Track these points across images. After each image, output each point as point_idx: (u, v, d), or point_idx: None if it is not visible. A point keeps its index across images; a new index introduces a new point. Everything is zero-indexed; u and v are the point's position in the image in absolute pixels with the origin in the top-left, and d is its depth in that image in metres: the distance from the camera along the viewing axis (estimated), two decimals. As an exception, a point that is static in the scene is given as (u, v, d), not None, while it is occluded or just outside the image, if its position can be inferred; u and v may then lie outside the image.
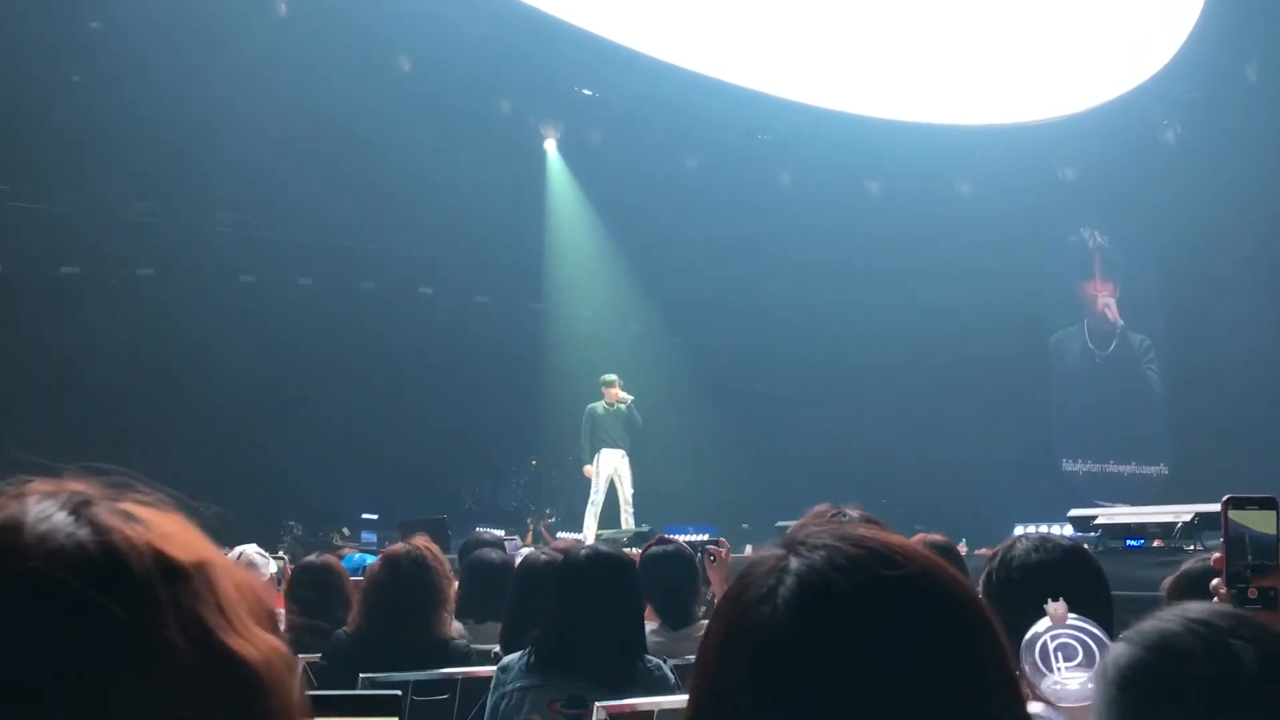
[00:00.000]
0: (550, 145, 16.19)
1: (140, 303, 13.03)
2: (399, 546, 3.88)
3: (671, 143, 16.24)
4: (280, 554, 6.83)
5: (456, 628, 4.07)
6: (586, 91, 16.12)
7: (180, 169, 12.98)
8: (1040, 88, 16.74)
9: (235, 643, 0.67)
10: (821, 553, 0.86)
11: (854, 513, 2.41)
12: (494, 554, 4.64)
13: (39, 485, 0.71)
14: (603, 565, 3.17)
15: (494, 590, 4.28)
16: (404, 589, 3.68)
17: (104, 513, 0.68)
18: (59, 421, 11.91)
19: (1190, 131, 16.23)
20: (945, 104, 16.76)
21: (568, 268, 16.24)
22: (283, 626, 4.30)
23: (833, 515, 2.38)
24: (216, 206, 14.10)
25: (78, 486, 0.71)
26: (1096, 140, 16.50)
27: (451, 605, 3.95)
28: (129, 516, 0.69)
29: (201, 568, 0.68)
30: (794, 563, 0.86)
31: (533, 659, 3.08)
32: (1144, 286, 17.94)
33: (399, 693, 1.47)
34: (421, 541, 3.87)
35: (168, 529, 0.69)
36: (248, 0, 13.28)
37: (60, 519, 0.66)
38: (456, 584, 4.81)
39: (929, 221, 16.43)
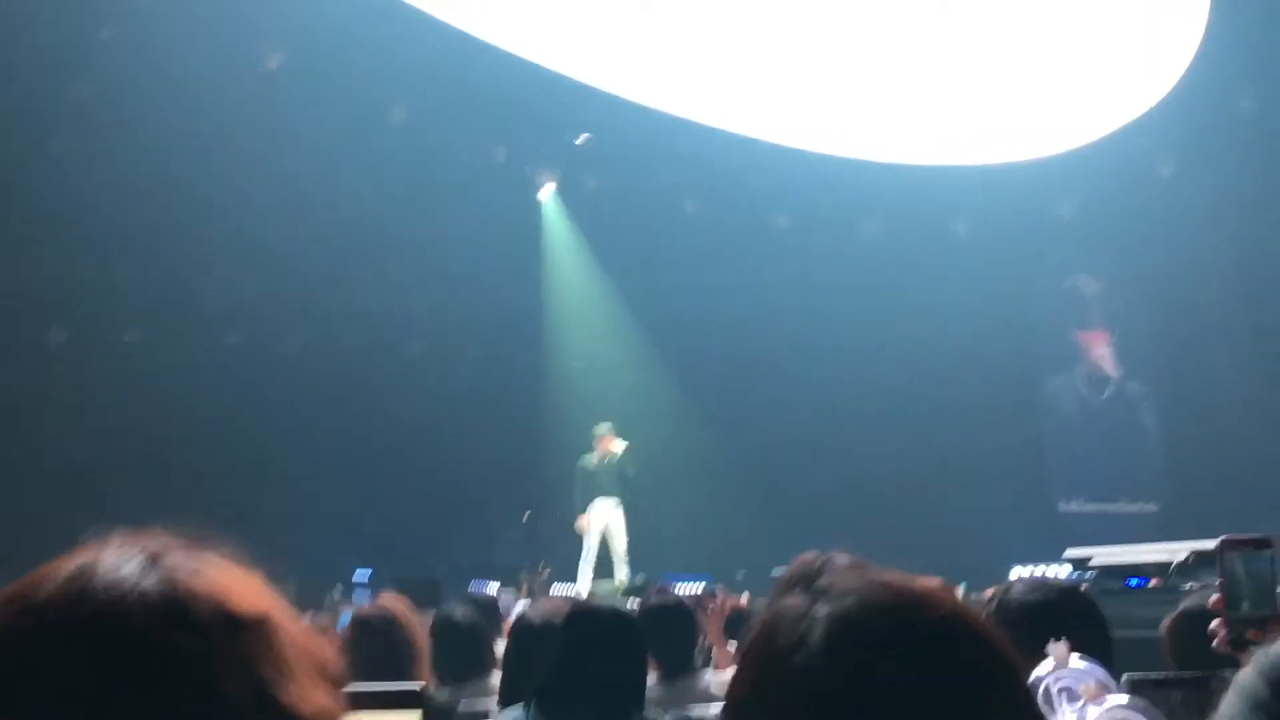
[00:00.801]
0: (546, 193, 16.23)
1: (126, 366, 13.01)
2: (368, 608, 3.79)
3: (668, 188, 16.29)
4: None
5: (434, 686, 4.01)
6: (580, 139, 16.17)
7: (168, 231, 13.00)
8: (1036, 124, 16.74)
9: (288, 698, 0.68)
10: (852, 597, 0.87)
11: (842, 558, 2.41)
12: (458, 610, 4.53)
13: (120, 537, 0.73)
14: (609, 621, 3.16)
15: (465, 649, 4.23)
16: (376, 649, 3.54)
17: (173, 564, 0.70)
18: (53, 481, 11.87)
19: (1185, 168, 16.26)
20: (941, 144, 16.82)
21: (563, 317, 16.26)
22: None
23: (821, 563, 2.38)
24: (204, 268, 14.11)
25: (156, 539, 0.73)
26: (1094, 177, 16.40)
27: (425, 664, 3.85)
28: (198, 569, 0.71)
29: (263, 622, 0.70)
30: (823, 609, 0.87)
31: (533, 712, 3.05)
32: (1137, 325, 17.98)
33: (422, 683, 1.46)
34: (389, 601, 3.74)
35: (234, 582, 0.72)
36: (235, 58, 13.29)
37: (130, 568, 0.69)
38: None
39: (925, 263, 16.47)
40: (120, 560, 0.70)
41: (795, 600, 0.91)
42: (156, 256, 13.58)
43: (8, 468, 11.89)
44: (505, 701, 3.59)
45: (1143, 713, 1.70)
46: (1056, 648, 1.73)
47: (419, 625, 3.75)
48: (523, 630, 3.80)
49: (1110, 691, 1.73)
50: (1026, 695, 0.90)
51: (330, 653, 0.75)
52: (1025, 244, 16.84)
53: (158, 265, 13.71)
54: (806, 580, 2.21)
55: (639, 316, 16.05)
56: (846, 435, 15.96)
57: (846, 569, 0.97)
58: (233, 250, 13.70)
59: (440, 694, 3.95)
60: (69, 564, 0.70)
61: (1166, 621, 3.02)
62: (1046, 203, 17.11)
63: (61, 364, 12.87)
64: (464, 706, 3.96)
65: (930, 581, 3.10)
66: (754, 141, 16.23)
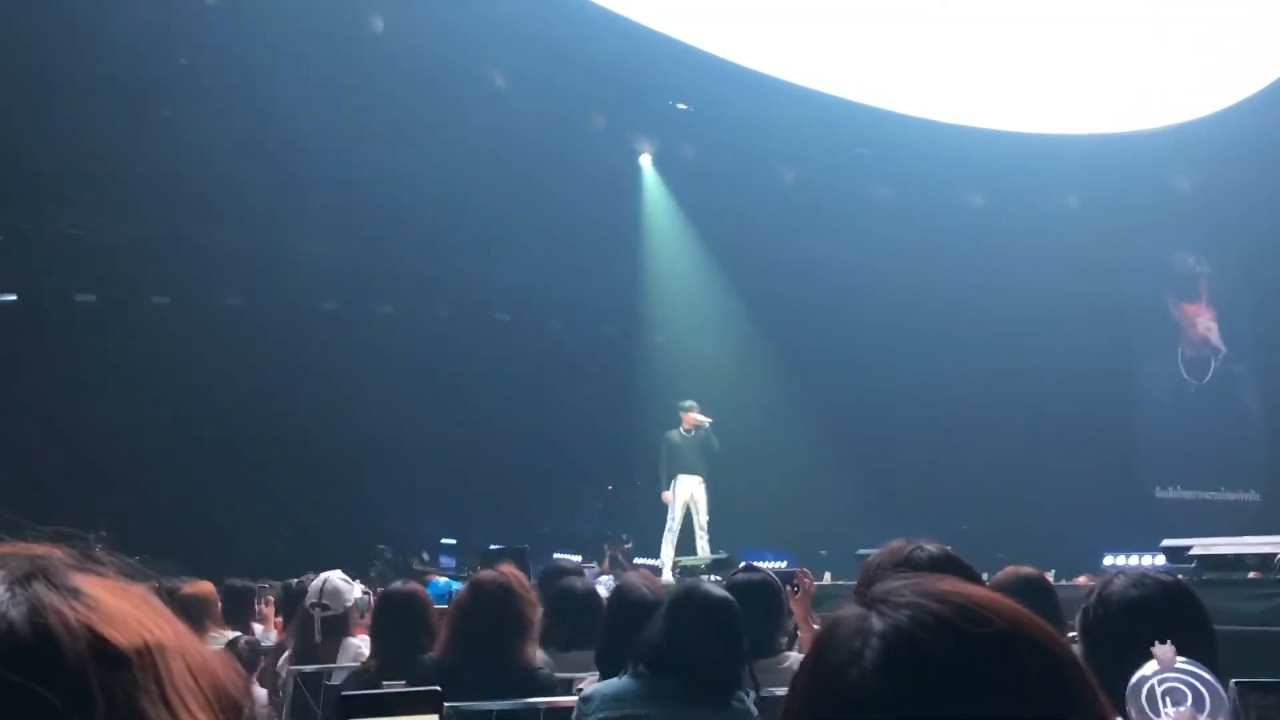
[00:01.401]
0: (645, 160, 16.08)
1: (230, 331, 13.31)
2: (486, 573, 3.90)
3: (768, 156, 15.99)
4: (364, 584, 6.91)
5: (540, 656, 4.08)
6: (681, 105, 15.89)
7: (265, 197, 13.22)
8: (1150, 94, 16.18)
9: None
10: (906, 612, 0.84)
11: (931, 547, 2.36)
12: (578, 582, 4.66)
13: None
14: (717, 604, 3.21)
15: (578, 619, 4.28)
16: (491, 616, 3.70)
17: (46, 589, 0.63)
18: (160, 444, 12.24)
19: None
20: (1050, 112, 16.28)
21: (660, 288, 16.13)
22: (367, 653, 4.35)
23: (910, 551, 2.33)
24: (298, 238, 14.35)
25: (33, 554, 0.66)
26: (1207, 151, 15.92)
27: (536, 633, 3.95)
28: (74, 593, 0.64)
29: (145, 653, 0.63)
30: (878, 623, 0.84)
31: (633, 683, 3.09)
32: (1241, 306, 17.43)
33: (439, 689, 1.49)
34: (508, 569, 3.88)
35: (115, 608, 0.64)
36: (340, 19, 13.25)
37: None
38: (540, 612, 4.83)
39: (1031, 236, 16.02)
40: None
41: (851, 611, 0.88)
42: (254, 225, 13.84)
43: (118, 425, 12.29)
44: (603, 666, 3.64)
45: (1196, 678, 1.65)
46: (1162, 651, 1.67)
47: (533, 594, 3.86)
48: (623, 603, 3.84)
49: (1214, 695, 1.66)
50: (1092, 706, 0.86)
51: (233, 676, 0.68)
52: (1134, 217, 16.31)
53: (253, 231, 13.98)
54: (895, 570, 2.18)
55: (737, 286, 15.83)
56: (938, 414, 15.74)
57: (901, 575, 0.94)
58: (326, 218, 13.88)
59: (547, 662, 4.03)
60: None
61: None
62: (1162, 173, 16.48)
63: (165, 327, 13.22)
64: (564, 673, 4.02)
65: (1023, 569, 3.04)
66: (856, 107, 15.76)
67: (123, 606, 0.65)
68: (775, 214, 15.69)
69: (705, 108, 15.75)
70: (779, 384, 15.83)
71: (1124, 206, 16.16)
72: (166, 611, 0.68)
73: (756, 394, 15.50)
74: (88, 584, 0.65)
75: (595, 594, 4.51)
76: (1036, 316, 15.81)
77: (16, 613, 0.61)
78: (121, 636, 0.63)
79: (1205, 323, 17.69)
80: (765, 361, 15.93)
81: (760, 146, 15.80)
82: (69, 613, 0.62)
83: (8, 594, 0.63)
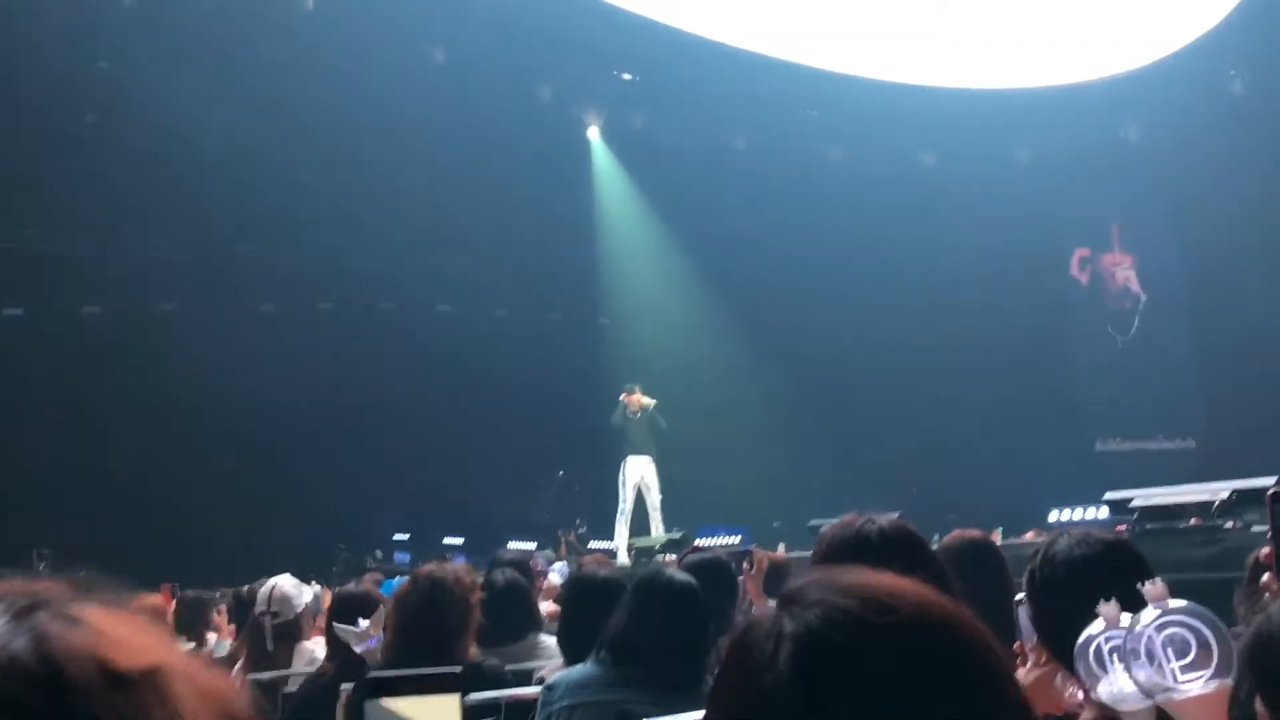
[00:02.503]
0: (593, 133, 15.91)
1: (165, 337, 13.10)
2: (426, 567, 3.84)
3: (717, 124, 15.86)
4: (324, 583, 6.84)
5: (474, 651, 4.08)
6: (626, 76, 15.67)
7: (198, 201, 13.00)
8: (1095, 43, 16.12)
9: None
10: (815, 610, 0.85)
11: (882, 520, 2.39)
12: (497, 575, 4.60)
13: None
14: (680, 590, 3.25)
15: (510, 612, 4.28)
16: (431, 612, 3.60)
17: (47, 619, 0.63)
18: (94, 458, 12.02)
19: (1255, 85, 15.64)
20: (993, 66, 16.24)
21: (613, 267, 16.01)
22: (322, 657, 4.31)
23: (861, 524, 2.36)
24: (234, 236, 14.13)
25: (32, 589, 0.67)
26: (1157, 97, 15.94)
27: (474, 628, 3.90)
28: (75, 621, 0.64)
29: (151, 675, 0.63)
30: (789, 625, 0.85)
31: (598, 669, 3.10)
32: (1167, 255, 17.73)
33: (459, 668, 1.48)
34: (450, 565, 3.84)
35: (119, 633, 0.65)
36: (271, 4, 12.96)
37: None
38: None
39: (982, 193, 16.03)
40: None
41: (763, 614, 0.89)
42: (185, 227, 13.59)
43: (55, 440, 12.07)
44: (565, 649, 3.66)
45: (1200, 619, 1.66)
46: (1107, 608, 1.71)
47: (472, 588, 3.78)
48: (585, 585, 3.85)
49: (1221, 642, 1.66)
50: (1001, 677, 0.87)
51: (237, 695, 0.68)
52: (1076, 170, 16.40)
53: (186, 235, 13.73)
54: (853, 548, 2.20)
55: (691, 258, 15.77)
56: (885, 380, 15.87)
57: (813, 570, 0.95)
58: (259, 217, 13.65)
59: (486, 656, 3.99)
60: None
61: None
62: (1100, 125, 16.52)
63: (96, 338, 12.98)
64: (512, 667, 4.00)
65: (969, 532, 3.08)
66: (805, 69, 15.58)
67: (126, 631, 0.65)
68: (728, 182, 15.60)
69: (651, 77, 15.57)
70: (727, 356, 15.86)
71: (1066, 159, 16.31)
72: (169, 635, 0.68)
73: (705, 368, 15.52)
74: (88, 612, 0.66)
75: (517, 583, 4.50)
76: (976, 276, 15.98)
77: (20, 643, 0.62)
78: (127, 660, 0.63)
79: (1124, 271, 17.99)
80: (713, 334, 15.94)
81: (710, 114, 15.67)
82: (73, 639, 0.63)
83: (10, 626, 0.63)
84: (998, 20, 15.86)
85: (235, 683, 0.70)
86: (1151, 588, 1.69)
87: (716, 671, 0.92)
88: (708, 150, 15.75)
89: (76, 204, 12.71)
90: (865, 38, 15.68)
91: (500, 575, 4.59)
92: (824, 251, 15.85)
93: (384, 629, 3.81)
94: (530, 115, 14.74)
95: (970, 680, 0.84)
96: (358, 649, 3.90)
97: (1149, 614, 1.65)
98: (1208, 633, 1.62)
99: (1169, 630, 1.63)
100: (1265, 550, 1.75)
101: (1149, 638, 1.63)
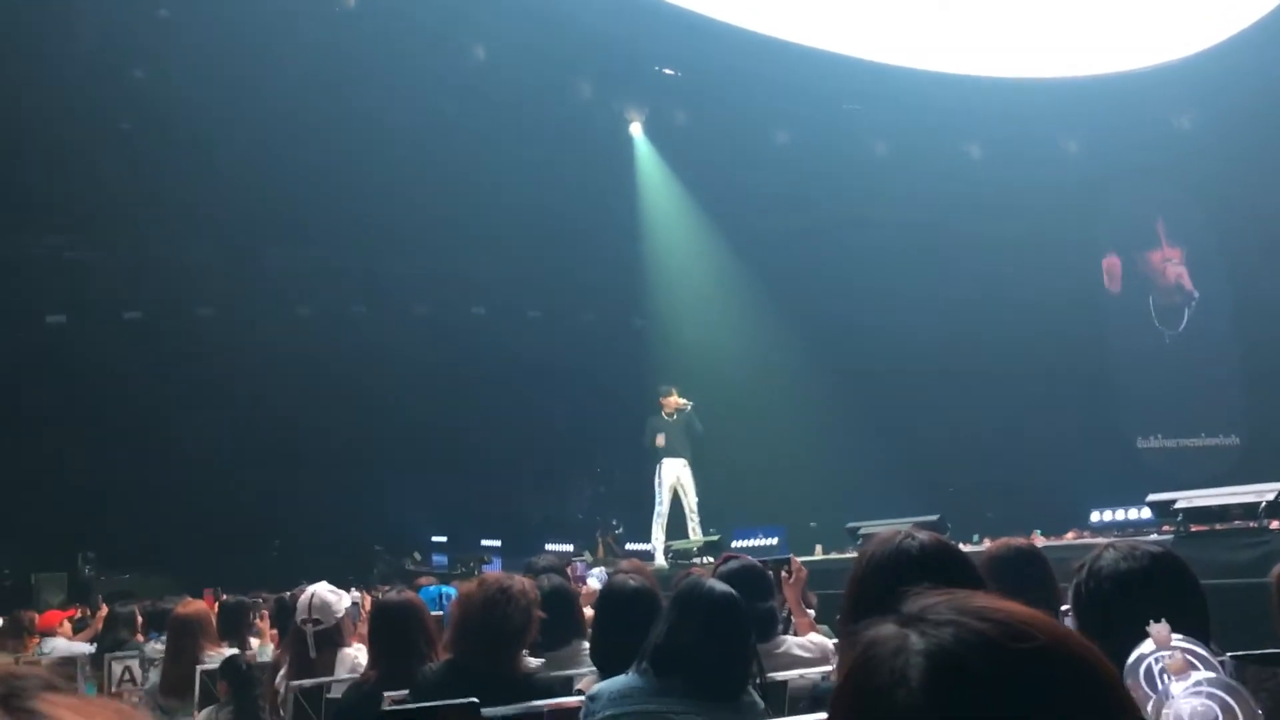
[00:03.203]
0: (636, 129, 15.78)
1: (206, 342, 13.22)
2: (489, 576, 3.88)
3: (759, 118, 15.65)
4: (364, 587, 6.89)
5: (531, 661, 4.09)
6: (668, 71, 15.48)
7: (233, 206, 13.11)
8: (1144, 31, 15.76)
9: None
10: (949, 630, 0.85)
11: (921, 535, 2.36)
12: (544, 581, 4.63)
13: None
14: (720, 601, 3.21)
15: (560, 617, 4.29)
16: (494, 616, 3.65)
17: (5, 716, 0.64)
18: (138, 462, 12.18)
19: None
20: (1041, 55, 15.84)
21: (656, 264, 15.87)
22: (364, 663, 4.34)
23: (901, 540, 2.34)
24: (270, 241, 14.24)
25: (9, 675, 0.68)
26: (1208, 88, 15.60)
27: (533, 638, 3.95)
28: (32, 717, 0.64)
29: None
30: (920, 642, 0.85)
31: (639, 679, 3.10)
32: (1210, 249, 17.46)
33: (476, 700, 1.49)
34: (518, 577, 3.87)
35: None
36: (307, 5, 12.95)
37: None
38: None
39: (1032, 186, 15.71)
40: None
41: (886, 632, 0.89)
42: (222, 231, 13.70)
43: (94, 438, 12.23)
44: (598, 662, 3.66)
45: (1226, 691, 1.65)
46: (1157, 630, 1.69)
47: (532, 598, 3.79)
48: (615, 599, 3.85)
49: (1206, 667, 1.68)
50: (1131, 711, 0.88)
51: None
52: (1120, 162, 16.18)
53: (223, 239, 13.85)
54: (893, 564, 2.18)
55: (736, 256, 15.62)
56: (923, 378, 15.71)
57: (934, 591, 0.95)
58: (296, 219, 13.72)
59: (534, 663, 4.02)
60: None
61: (1277, 570, 2.92)
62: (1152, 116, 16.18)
63: (138, 343, 13.12)
64: (557, 673, 4.02)
65: (1015, 541, 3.05)
66: (845, 60, 15.28)
67: None
68: (770, 177, 15.39)
69: (693, 71, 15.34)
70: (764, 354, 15.74)
71: (1114, 151, 16.08)
72: None
73: (742, 367, 15.43)
74: (56, 706, 0.66)
75: (561, 589, 4.51)
76: (1018, 271, 15.79)
77: None
78: None
79: (1174, 267, 17.74)
80: (750, 332, 15.81)
81: (752, 108, 15.46)
82: None
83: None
84: (1044, 8, 15.48)
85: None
86: (1157, 630, 1.68)
87: (835, 689, 0.92)
88: (750, 145, 15.54)
89: (114, 211, 12.87)
90: (908, 27, 15.37)
91: (546, 580, 4.62)
92: (866, 247, 15.69)
93: (450, 629, 3.82)
94: (573, 111, 14.59)
95: (1100, 713, 0.84)
96: None
97: (1147, 645, 1.67)
98: (1198, 663, 1.63)
99: (1195, 701, 1.64)
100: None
101: (1148, 666, 1.64)
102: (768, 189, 15.42)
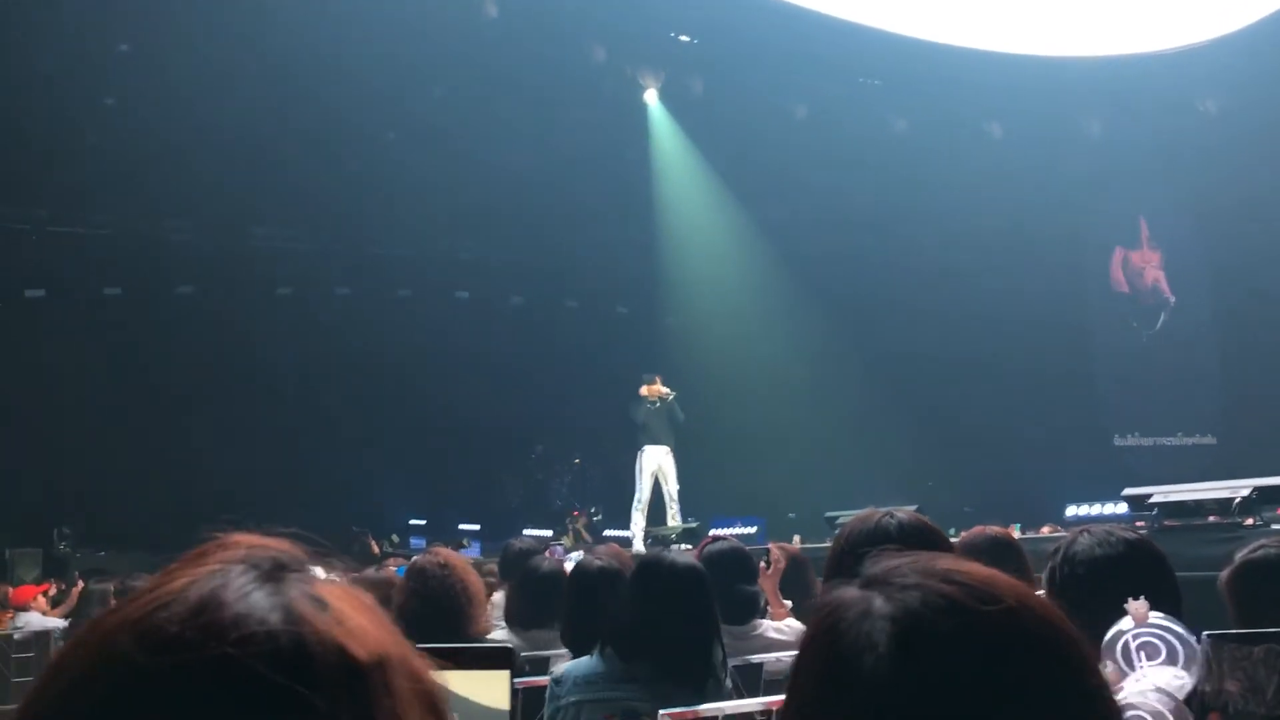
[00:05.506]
0: (651, 96, 15.40)
1: (186, 320, 13.13)
2: (421, 558, 3.84)
3: (777, 90, 15.29)
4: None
5: (501, 634, 4.08)
6: (684, 38, 15.11)
7: (217, 184, 12.98)
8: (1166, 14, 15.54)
9: None
10: (915, 594, 0.83)
11: (901, 514, 2.37)
12: (543, 563, 4.65)
13: (241, 545, 0.69)
14: (683, 573, 3.14)
15: (539, 597, 4.28)
16: (431, 598, 3.54)
17: (298, 597, 0.66)
18: (115, 439, 12.10)
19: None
20: (1063, 32, 15.56)
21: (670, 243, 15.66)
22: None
23: (880, 518, 2.34)
24: (253, 220, 14.14)
25: (268, 546, 0.70)
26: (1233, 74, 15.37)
27: (486, 608, 3.90)
28: (323, 605, 0.67)
29: (380, 666, 0.66)
30: (885, 606, 0.83)
31: (603, 664, 3.06)
32: (1192, 252, 17.53)
33: (510, 645, 1.49)
34: (442, 550, 3.83)
35: (355, 622, 0.67)
36: None
37: (257, 599, 0.65)
38: (501, 591, 4.84)
39: (1053, 166, 15.60)
40: (245, 586, 0.66)
41: (850, 595, 0.87)
42: (206, 210, 13.60)
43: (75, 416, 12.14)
44: (569, 644, 3.63)
45: (1174, 635, 1.68)
46: (1136, 606, 1.70)
47: (471, 570, 3.77)
48: (582, 580, 3.82)
49: (1187, 649, 1.69)
50: (1098, 680, 0.87)
51: (439, 687, 0.71)
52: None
53: (207, 219, 13.75)
54: (872, 542, 2.19)
55: (755, 227, 15.46)
56: (901, 370, 15.72)
57: (897, 553, 0.93)
58: (282, 199, 13.60)
59: (500, 634, 4.02)
60: (197, 584, 0.66)
61: (1225, 575, 2.95)
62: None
63: (115, 319, 13.02)
64: (532, 652, 4.02)
65: (991, 528, 3.05)
66: (865, 30, 14.91)
67: (360, 620, 0.67)
68: (788, 152, 15.14)
69: (710, 38, 15.00)
70: (747, 345, 15.62)
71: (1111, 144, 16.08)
72: (389, 620, 0.70)
73: (724, 357, 15.34)
74: (330, 594, 0.68)
75: (557, 573, 4.51)
76: (995, 268, 15.83)
77: (275, 618, 0.64)
78: (363, 652, 0.65)
79: (1152, 270, 17.82)
80: (739, 322, 15.72)
81: (771, 81, 15.15)
82: (321, 625, 0.65)
83: (268, 600, 0.65)
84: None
85: (430, 665, 0.70)
86: (1135, 607, 1.70)
87: (798, 653, 0.91)
88: (767, 118, 15.24)
89: (96, 186, 12.74)
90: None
91: (543, 562, 4.64)
92: (866, 246, 15.65)
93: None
94: (587, 76, 14.26)
95: (1068, 674, 0.84)
96: None
97: (1126, 623, 1.69)
98: (1175, 642, 1.66)
99: (1142, 639, 1.66)
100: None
101: (1125, 643, 1.66)
102: (785, 164, 15.11)
